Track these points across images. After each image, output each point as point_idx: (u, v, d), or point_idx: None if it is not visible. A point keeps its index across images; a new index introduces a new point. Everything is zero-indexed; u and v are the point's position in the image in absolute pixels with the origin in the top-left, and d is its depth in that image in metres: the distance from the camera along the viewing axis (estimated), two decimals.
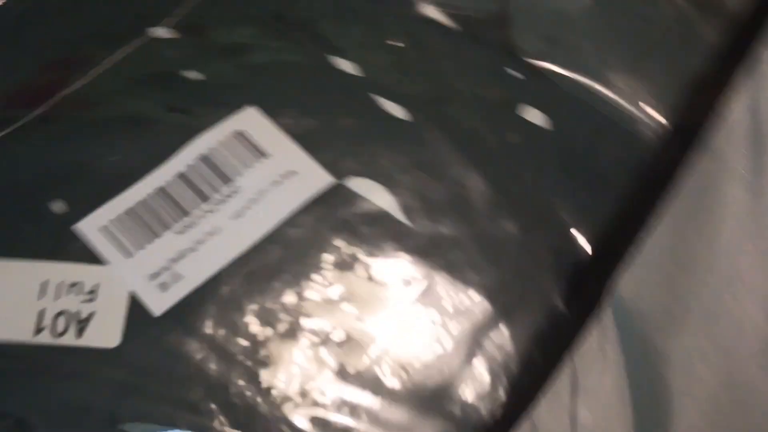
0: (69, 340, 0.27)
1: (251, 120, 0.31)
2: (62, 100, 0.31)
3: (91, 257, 0.28)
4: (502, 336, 0.28)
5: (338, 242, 0.29)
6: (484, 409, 0.27)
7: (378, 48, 0.33)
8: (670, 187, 0.29)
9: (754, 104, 0.30)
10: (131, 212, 0.29)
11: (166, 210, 0.29)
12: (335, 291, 0.28)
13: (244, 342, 0.27)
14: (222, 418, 0.26)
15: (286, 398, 0.27)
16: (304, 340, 0.28)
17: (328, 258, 0.29)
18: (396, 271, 0.29)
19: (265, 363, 0.27)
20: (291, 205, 0.29)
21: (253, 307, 0.28)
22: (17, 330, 0.27)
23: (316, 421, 0.27)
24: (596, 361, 0.27)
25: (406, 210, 0.30)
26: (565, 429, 0.26)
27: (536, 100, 0.32)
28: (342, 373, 0.27)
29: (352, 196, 0.30)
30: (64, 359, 0.27)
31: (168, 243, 0.29)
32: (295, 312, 0.28)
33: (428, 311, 0.28)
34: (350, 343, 0.28)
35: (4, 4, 0.33)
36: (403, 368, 0.28)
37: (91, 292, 0.28)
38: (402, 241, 0.29)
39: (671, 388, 0.26)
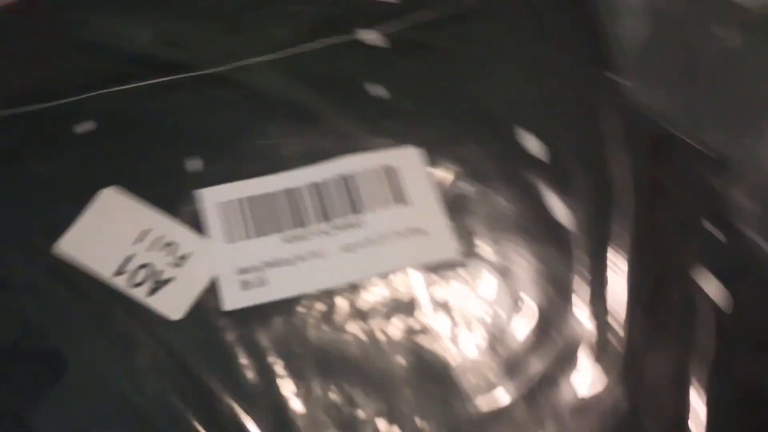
0: (139, 294, 0.28)
1: (409, 161, 0.31)
2: (244, 67, 0.32)
3: (197, 225, 0.29)
4: None
5: None
6: None
7: None
8: None
9: None
10: (253, 201, 0.30)
11: (286, 213, 0.29)
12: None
13: (290, 381, 0.27)
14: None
15: None
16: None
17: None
18: None
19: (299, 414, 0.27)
20: (405, 262, 0.29)
21: (315, 346, 0.27)
22: (102, 263, 0.28)
23: None
24: None
25: None
26: None
27: None
28: None
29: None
30: (120, 310, 0.28)
31: (271, 245, 0.29)
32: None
33: None
34: None
35: None
36: None
37: (182, 258, 0.29)
38: None
39: None
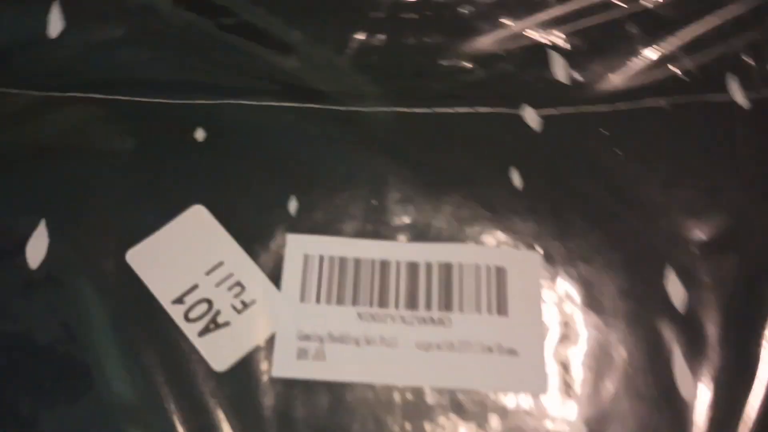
0: (190, 331, 0.27)
1: (525, 268, 0.28)
2: (377, 113, 0.31)
3: (275, 271, 0.28)
4: None
5: None
6: None
7: None
8: None
9: None
10: (341, 262, 0.28)
11: (370, 286, 0.28)
12: None
13: None
14: None
15: None
16: None
17: None
18: None
19: None
20: (484, 383, 0.27)
21: None
22: (165, 286, 0.28)
23: None
24: None
25: None
26: None
27: None
28: None
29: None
30: (166, 341, 0.27)
31: (343, 317, 0.27)
32: None
33: None
34: None
35: None
36: None
37: (245, 304, 0.27)
38: None
39: None
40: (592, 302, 0.28)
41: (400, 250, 0.28)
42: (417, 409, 0.26)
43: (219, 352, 0.27)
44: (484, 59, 0.32)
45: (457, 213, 0.29)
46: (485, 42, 0.33)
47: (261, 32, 0.32)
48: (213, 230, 0.29)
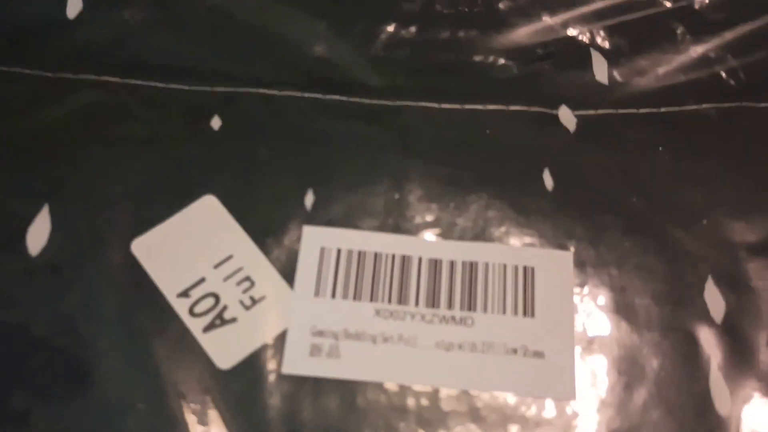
0: (195, 326, 0.27)
1: (554, 268, 0.28)
2: (406, 108, 0.31)
3: (288, 266, 0.28)
4: None
5: None
6: None
7: None
8: None
9: None
10: (360, 256, 0.28)
11: (389, 282, 0.28)
12: None
13: None
14: None
15: None
16: None
17: None
18: None
19: None
20: (507, 386, 0.26)
21: None
22: (170, 278, 0.28)
23: None
24: None
25: None
26: None
27: None
28: None
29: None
30: (168, 335, 0.27)
31: (359, 314, 0.27)
32: None
33: None
34: None
35: None
36: None
37: (254, 300, 0.28)
38: None
39: None
40: (624, 308, 0.28)
41: (422, 247, 0.28)
42: (432, 415, 0.26)
43: (224, 350, 0.27)
44: (519, 55, 0.33)
45: (483, 213, 0.29)
46: (521, 38, 0.33)
47: (286, 20, 0.33)
48: (224, 222, 0.29)
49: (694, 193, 0.30)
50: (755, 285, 0.28)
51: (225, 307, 0.27)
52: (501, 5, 0.34)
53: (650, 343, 0.27)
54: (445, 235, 0.29)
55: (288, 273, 0.28)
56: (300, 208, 0.29)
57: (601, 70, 0.32)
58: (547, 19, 0.33)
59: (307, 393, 0.26)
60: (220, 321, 0.27)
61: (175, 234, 0.29)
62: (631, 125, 0.31)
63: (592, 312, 0.28)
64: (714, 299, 0.28)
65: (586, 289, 0.28)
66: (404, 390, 0.27)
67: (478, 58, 0.33)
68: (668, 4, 0.34)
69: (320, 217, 0.29)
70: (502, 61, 0.33)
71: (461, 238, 0.29)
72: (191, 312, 0.27)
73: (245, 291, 0.28)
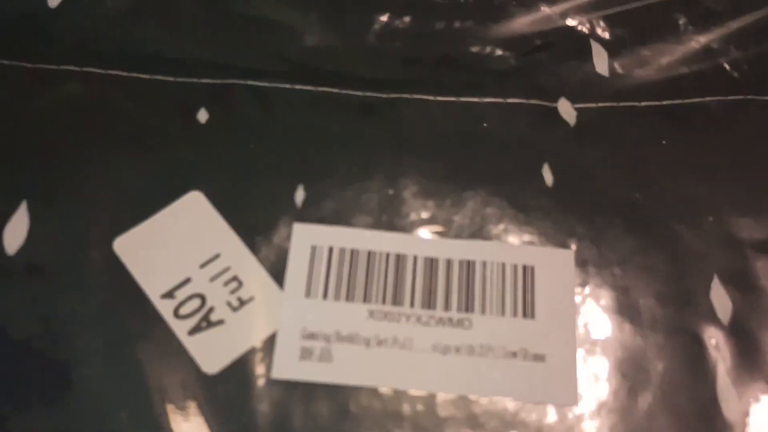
0: (180, 328, 0.26)
1: (555, 267, 0.27)
2: (400, 101, 0.30)
3: (276, 266, 0.27)
4: None
5: None
6: None
7: None
8: None
9: None
10: (353, 255, 0.27)
11: (384, 282, 0.27)
12: None
13: None
14: None
15: None
16: None
17: None
18: None
19: None
20: (506, 390, 0.25)
21: None
22: (154, 279, 0.26)
23: None
24: None
25: None
26: None
27: None
28: None
29: None
30: (153, 339, 0.26)
31: (353, 316, 0.26)
32: None
33: None
34: None
35: None
36: None
37: (242, 301, 0.26)
38: None
39: None
40: (627, 309, 0.27)
41: (418, 245, 0.27)
42: (428, 422, 0.25)
43: (210, 353, 0.26)
44: (517, 47, 0.31)
45: (481, 209, 0.28)
46: (519, 28, 0.32)
47: (276, 8, 0.32)
48: (210, 219, 0.28)
49: (699, 188, 0.29)
50: (763, 284, 0.27)
51: (211, 309, 0.26)
52: None
53: (655, 346, 0.26)
54: (442, 232, 0.28)
55: (278, 273, 0.27)
56: (290, 205, 0.28)
57: (601, 62, 0.31)
58: (546, 9, 0.32)
59: (298, 399, 0.25)
60: (206, 323, 0.26)
61: (160, 232, 0.27)
62: (633, 119, 0.30)
63: (595, 313, 0.27)
64: (720, 299, 0.27)
65: (587, 289, 0.27)
66: (399, 395, 0.25)
67: (474, 49, 0.31)
68: None
69: (311, 214, 0.28)
70: (499, 52, 0.31)
71: (458, 236, 0.27)
72: (176, 314, 0.26)
73: (233, 292, 0.26)
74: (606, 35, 0.32)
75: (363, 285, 0.27)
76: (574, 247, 0.27)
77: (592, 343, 0.26)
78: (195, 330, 0.26)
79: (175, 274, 0.27)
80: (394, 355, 0.26)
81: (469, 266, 0.27)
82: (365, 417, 0.25)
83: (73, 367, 0.25)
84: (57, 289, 0.26)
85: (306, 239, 0.27)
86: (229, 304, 0.26)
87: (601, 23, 0.32)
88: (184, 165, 0.28)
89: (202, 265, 0.27)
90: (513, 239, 0.28)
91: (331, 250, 0.27)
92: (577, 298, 0.27)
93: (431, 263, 0.27)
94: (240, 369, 0.25)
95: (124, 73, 0.30)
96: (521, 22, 0.32)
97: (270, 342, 0.26)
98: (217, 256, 0.27)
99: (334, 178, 0.28)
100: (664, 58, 0.31)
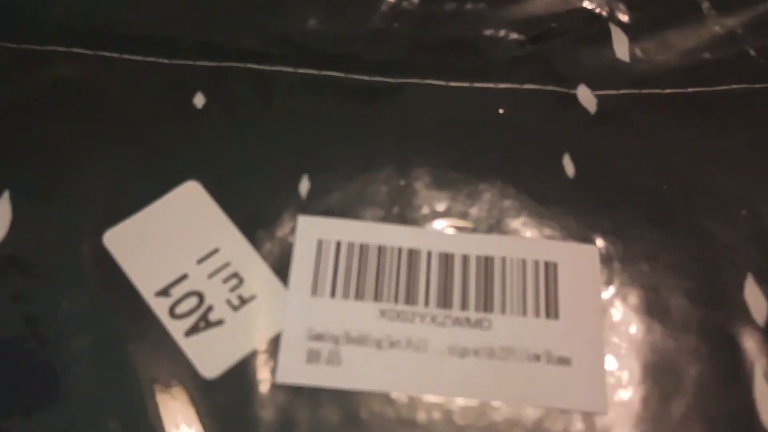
0: (176, 329, 0.24)
1: (579, 263, 0.25)
2: (408, 85, 0.28)
3: (280, 261, 0.25)
4: None
5: None
6: None
7: None
8: None
9: None
10: (362, 250, 0.25)
11: (396, 278, 0.25)
12: None
13: None
14: None
15: None
16: None
17: None
18: None
19: None
20: (529, 396, 0.23)
21: None
22: (147, 275, 0.25)
23: None
24: None
25: None
26: None
27: None
28: None
29: None
30: (146, 339, 0.24)
31: (363, 315, 0.24)
32: None
33: None
34: None
35: None
36: None
37: (242, 300, 0.24)
38: None
39: None
40: (656, 309, 0.25)
41: (432, 239, 0.25)
42: (444, 430, 0.23)
43: (209, 356, 0.24)
44: (532, 30, 0.29)
45: (498, 202, 0.26)
46: (534, 11, 0.30)
47: None
48: (208, 211, 0.26)
49: (729, 180, 0.27)
50: None
51: (210, 308, 0.24)
52: None
53: (687, 348, 0.24)
54: (457, 226, 0.26)
55: (281, 269, 0.25)
56: (294, 196, 0.26)
57: (621, 47, 0.29)
58: None
59: (304, 405, 0.23)
60: (204, 323, 0.24)
61: (153, 224, 0.25)
62: (657, 107, 0.28)
63: (622, 313, 0.25)
64: (755, 299, 0.25)
65: (614, 288, 0.25)
66: (413, 402, 0.23)
67: (487, 32, 0.29)
68: None
69: (317, 205, 0.26)
70: (513, 35, 0.29)
71: (475, 229, 0.26)
72: (171, 313, 0.24)
73: (233, 289, 0.25)
74: (626, 19, 0.30)
75: (373, 282, 0.25)
76: (598, 242, 0.26)
77: (620, 345, 0.24)
78: (192, 331, 0.24)
79: (171, 270, 0.25)
80: (407, 357, 0.24)
81: (487, 262, 0.25)
82: (376, 425, 0.23)
83: (59, 370, 0.23)
84: (42, 287, 0.24)
85: (312, 233, 0.25)
86: (229, 302, 0.24)
87: (621, 6, 0.30)
88: (179, 153, 0.26)
89: (200, 261, 0.25)
90: (533, 234, 0.26)
91: (338, 244, 0.25)
92: (603, 297, 0.25)
93: (446, 259, 0.25)
94: (241, 373, 0.24)
95: (115, 55, 0.28)
96: (536, 4, 0.30)
97: (274, 344, 0.24)
98: (215, 251, 0.25)
99: (341, 168, 0.26)
100: (687, 44, 0.30)
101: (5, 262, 0.25)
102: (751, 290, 0.25)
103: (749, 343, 0.24)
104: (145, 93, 0.27)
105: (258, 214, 0.26)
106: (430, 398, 0.24)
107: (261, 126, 0.27)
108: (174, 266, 0.25)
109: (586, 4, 0.30)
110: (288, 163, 0.26)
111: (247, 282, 0.25)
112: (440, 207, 0.26)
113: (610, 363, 0.24)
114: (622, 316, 0.25)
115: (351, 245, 0.25)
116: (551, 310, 0.25)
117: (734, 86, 0.29)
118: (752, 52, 0.29)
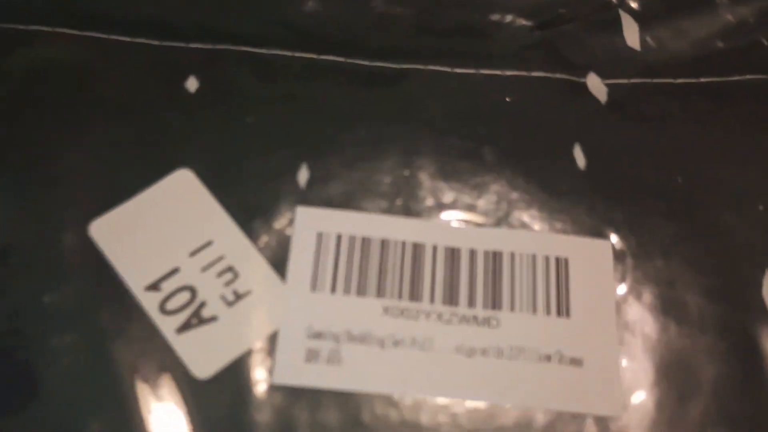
0: (167, 326, 0.22)
1: (591, 259, 0.24)
2: (414, 71, 0.27)
3: (277, 255, 0.24)
4: None
5: None
6: None
7: None
8: None
9: None
10: (364, 244, 0.24)
11: (400, 273, 0.23)
12: None
13: None
14: None
15: None
16: None
17: None
18: None
19: None
20: (538, 400, 0.22)
21: None
22: (136, 269, 0.23)
23: None
24: None
25: None
26: None
27: None
28: None
29: None
30: (133, 336, 0.22)
31: (365, 313, 0.23)
32: None
33: None
34: None
35: None
36: None
37: (238, 295, 0.23)
38: None
39: None
40: (672, 306, 0.24)
41: (437, 232, 0.24)
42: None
43: (202, 355, 0.22)
44: (541, 16, 0.28)
45: (507, 194, 0.25)
46: None
47: None
48: (201, 201, 0.24)
49: (746, 173, 0.26)
50: None
51: (203, 304, 0.23)
52: None
53: (704, 348, 0.23)
54: (464, 219, 0.25)
55: (279, 263, 0.24)
56: (292, 186, 0.25)
57: (632, 35, 0.28)
58: None
59: (303, 407, 0.22)
60: (197, 320, 0.23)
61: (143, 214, 0.24)
62: (669, 96, 0.27)
63: (637, 311, 0.24)
64: None
65: (627, 284, 0.24)
66: (418, 403, 0.22)
67: (494, 18, 0.28)
68: None
69: (316, 196, 0.24)
70: (521, 21, 0.28)
71: (482, 223, 0.24)
72: (162, 309, 0.23)
73: (227, 284, 0.23)
74: (636, 6, 0.28)
75: (376, 277, 0.23)
76: (611, 236, 0.25)
77: (634, 344, 0.23)
78: (184, 328, 0.23)
79: (161, 263, 0.23)
80: (411, 357, 0.23)
81: (495, 257, 0.24)
82: (379, 428, 0.22)
83: (40, 369, 0.22)
84: (23, 280, 0.23)
85: (311, 225, 0.24)
86: (223, 298, 0.23)
87: None
88: (171, 139, 0.25)
89: (192, 253, 0.23)
90: (543, 227, 0.24)
91: (339, 237, 0.24)
92: (617, 294, 0.24)
93: (453, 253, 0.24)
94: (236, 373, 0.22)
95: (102, 35, 0.26)
96: None
97: (271, 342, 0.23)
98: (209, 244, 0.24)
99: (342, 156, 0.25)
100: (699, 32, 0.28)
101: None
102: None
103: None
104: (135, 76, 0.26)
105: (254, 205, 0.24)
106: (436, 400, 0.22)
107: (257, 112, 0.26)
108: (165, 259, 0.23)
109: None
110: (286, 151, 0.25)
111: (243, 276, 0.23)
112: (446, 199, 0.25)
113: (625, 363, 0.23)
114: (637, 314, 0.23)
115: (352, 238, 0.24)
116: (562, 308, 0.23)
117: (748, 76, 0.28)
118: (765, 42, 0.28)
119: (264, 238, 0.24)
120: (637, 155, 0.26)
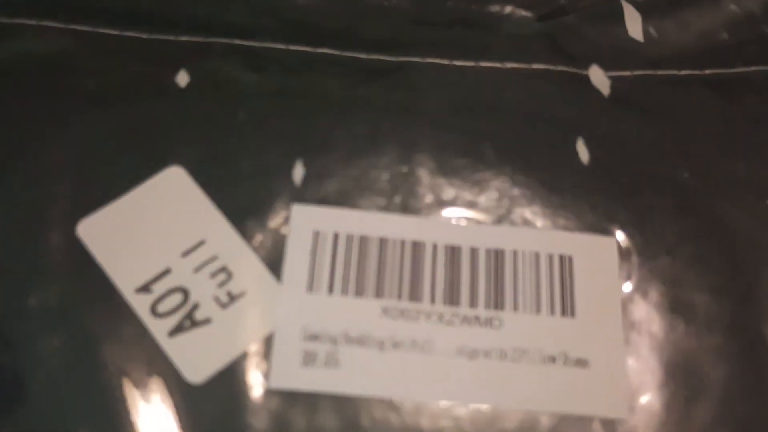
0: (158, 329, 0.22)
1: (595, 256, 0.23)
2: (414, 65, 0.26)
3: (272, 255, 0.23)
4: None
5: None
6: None
7: None
8: None
9: None
10: (363, 243, 0.23)
11: (399, 273, 0.23)
12: None
13: None
14: None
15: None
16: None
17: None
18: None
19: None
20: (543, 403, 0.21)
21: None
22: (126, 270, 0.22)
23: None
24: None
25: None
26: None
27: None
28: None
29: None
30: (123, 339, 0.22)
31: (363, 314, 0.22)
32: None
33: None
34: None
35: None
36: None
37: (232, 297, 0.22)
38: None
39: None
40: (679, 306, 0.23)
41: (438, 230, 0.23)
42: None
43: (195, 358, 0.22)
44: (542, 7, 0.27)
45: (508, 190, 0.24)
46: None
47: None
48: (193, 199, 0.24)
49: (754, 168, 0.25)
50: None
51: (196, 305, 0.22)
52: None
53: (712, 348, 0.23)
54: (465, 216, 0.24)
55: (274, 263, 0.23)
56: (287, 183, 0.24)
57: (634, 25, 0.27)
58: None
59: (300, 412, 0.21)
60: (189, 322, 0.22)
61: (132, 213, 0.23)
62: (674, 89, 0.26)
63: (643, 310, 0.23)
64: None
65: (633, 283, 0.23)
66: (419, 407, 0.22)
67: (493, 9, 0.27)
68: None
69: (312, 193, 0.24)
70: (521, 12, 0.27)
71: (484, 220, 0.24)
72: (153, 311, 0.22)
73: (221, 285, 0.22)
74: None
75: (374, 277, 0.23)
76: (616, 233, 0.24)
77: (640, 345, 0.22)
78: (176, 330, 0.22)
79: (152, 263, 0.23)
80: (412, 359, 0.22)
81: (497, 256, 0.23)
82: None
83: (24, 374, 0.21)
84: (8, 281, 0.22)
85: (307, 223, 0.23)
86: (216, 299, 0.22)
87: None
88: (161, 135, 0.24)
89: (185, 254, 0.23)
90: (546, 225, 0.24)
91: (336, 236, 0.23)
92: (622, 293, 0.23)
93: (453, 252, 0.23)
94: (230, 377, 0.22)
95: (89, 29, 0.26)
96: None
97: (266, 345, 0.22)
98: (201, 243, 0.23)
99: (338, 153, 0.24)
100: (703, 23, 0.28)
101: None
102: None
103: None
104: (123, 71, 0.25)
105: (248, 203, 0.24)
106: (437, 404, 0.22)
107: (250, 107, 0.25)
108: (156, 259, 0.23)
109: None
110: (280, 147, 0.24)
111: (237, 277, 0.23)
112: (446, 196, 0.24)
113: (631, 364, 0.22)
114: (643, 314, 0.23)
115: (350, 237, 0.23)
116: (567, 308, 0.23)
117: (753, 68, 0.27)
118: None
119: (258, 237, 0.23)
120: (641, 149, 0.25)
